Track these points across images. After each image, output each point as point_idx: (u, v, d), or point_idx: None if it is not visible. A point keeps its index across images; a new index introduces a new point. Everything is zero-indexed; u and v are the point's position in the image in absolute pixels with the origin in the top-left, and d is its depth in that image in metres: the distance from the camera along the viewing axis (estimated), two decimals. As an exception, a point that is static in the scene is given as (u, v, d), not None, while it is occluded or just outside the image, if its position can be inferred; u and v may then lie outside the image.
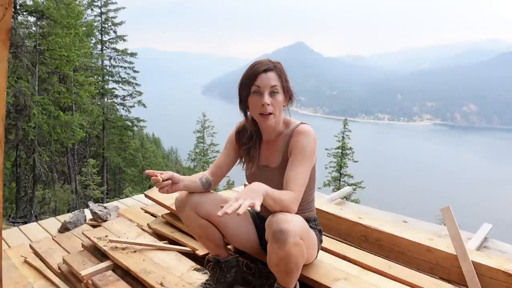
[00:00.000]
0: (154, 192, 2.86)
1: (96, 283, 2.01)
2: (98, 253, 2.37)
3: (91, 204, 3.15)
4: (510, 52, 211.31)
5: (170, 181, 1.61)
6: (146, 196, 2.94)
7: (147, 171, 1.58)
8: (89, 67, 19.93)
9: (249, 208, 2.04)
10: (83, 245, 2.52)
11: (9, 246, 2.85)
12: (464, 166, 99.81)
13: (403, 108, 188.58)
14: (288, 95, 1.74)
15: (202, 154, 25.50)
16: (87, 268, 2.15)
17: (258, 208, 1.33)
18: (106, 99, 22.62)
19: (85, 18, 19.98)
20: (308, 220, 1.75)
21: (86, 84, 16.46)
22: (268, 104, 1.64)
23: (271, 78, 1.65)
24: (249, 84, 1.67)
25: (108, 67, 22.81)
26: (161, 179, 1.58)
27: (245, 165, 1.89)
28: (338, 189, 16.22)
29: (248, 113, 1.77)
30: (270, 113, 1.66)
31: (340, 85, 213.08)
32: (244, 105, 1.74)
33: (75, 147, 17.94)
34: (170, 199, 2.70)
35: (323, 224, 2.10)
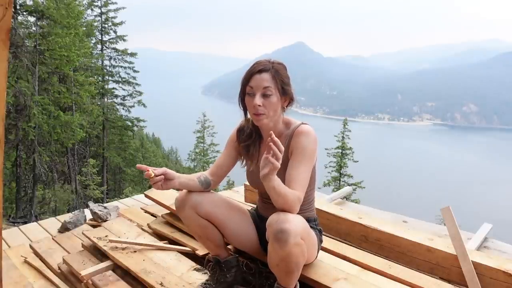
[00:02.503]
0: (154, 192, 2.86)
1: (96, 283, 2.01)
2: (98, 253, 2.37)
3: (91, 204, 3.15)
4: (510, 52, 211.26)
5: (162, 177, 1.62)
6: (146, 196, 2.95)
7: (138, 165, 1.60)
8: (89, 67, 19.92)
9: (250, 208, 2.05)
10: (83, 245, 2.52)
11: (9, 246, 2.85)
12: (464, 166, 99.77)
13: (403, 108, 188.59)
14: (287, 97, 1.73)
15: (202, 154, 25.50)
16: (87, 268, 2.15)
17: (278, 163, 1.39)
18: (106, 99, 22.62)
19: (85, 18, 19.97)
20: (308, 220, 1.75)
21: (86, 84, 16.45)
22: (259, 105, 1.64)
23: (264, 79, 1.64)
24: (244, 84, 1.69)
25: (108, 67, 22.82)
26: (153, 174, 1.58)
27: (245, 164, 1.89)
28: (338, 189, 16.22)
29: (248, 112, 1.78)
30: (262, 114, 1.66)
31: (340, 85, 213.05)
32: (243, 103, 1.75)
33: (75, 147, 17.93)
34: (170, 199, 2.70)
35: (323, 224, 2.10)
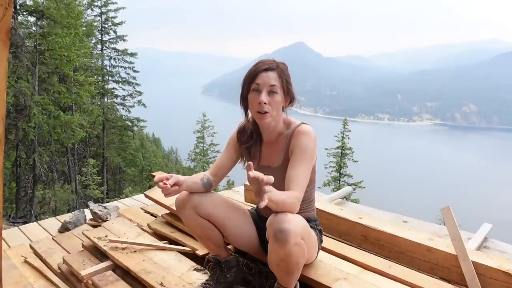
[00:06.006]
0: (154, 192, 2.86)
1: (96, 283, 2.01)
2: (98, 253, 2.37)
3: (91, 204, 3.16)
4: (510, 52, 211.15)
5: (177, 187, 1.63)
6: (146, 196, 2.95)
7: (156, 177, 1.57)
8: (89, 67, 19.91)
9: (250, 208, 2.05)
10: (83, 245, 2.52)
11: (9, 246, 2.85)
12: (464, 166, 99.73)
13: (403, 108, 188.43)
14: (289, 97, 1.74)
15: (202, 154, 25.50)
16: (87, 268, 2.15)
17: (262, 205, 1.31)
18: (106, 99, 22.61)
19: (85, 18, 19.95)
20: (308, 220, 1.75)
21: (86, 84, 16.42)
22: (265, 103, 1.65)
23: (271, 77, 1.66)
24: (249, 81, 1.69)
25: (108, 67, 22.81)
26: (169, 186, 1.59)
27: (246, 164, 1.89)
28: (338, 189, 16.22)
29: (249, 112, 1.78)
30: (266, 112, 1.66)
31: (340, 85, 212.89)
32: (244, 102, 1.75)
33: (75, 147, 17.92)
34: (170, 199, 2.69)
35: (323, 224, 2.11)
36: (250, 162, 1.36)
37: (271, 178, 1.31)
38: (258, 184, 1.31)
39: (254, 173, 1.30)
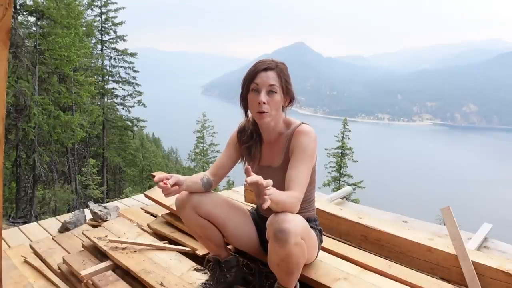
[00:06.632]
0: (154, 192, 2.86)
1: (96, 283, 2.01)
2: (98, 253, 2.37)
3: (91, 204, 3.16)
4: (510, 52, 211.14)
5: (177, 187, 1.62)
6: (146, 196, 2.95)
7: (156, 177, 1.57)
8: (89, 67, 19.91)
9: (250, 208, 2.05)
10: (83, 245, 2.52)
11: (9, 246, 2.85)
12: (464, 166, 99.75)
13: (403, 108, 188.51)
14: (289, 97, 1.74)
15: (202, 154, 25.51)
16: (87, 268, 2.15)
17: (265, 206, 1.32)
18: (106, 99, 22.60)
19: (85, 18, 19.94)
20: (308, 220, 1.75)
21: (86, 84, 16.41)
22: (264, 103, 1.64)
23: (270, 77, 1.66)
24: (249, 81, 1.69)
25: (108, 67, 22.79)
26: (169, 186, 1.58)
27: (246, 164, 1.89)
28: (338, 189, 16.22)
29: (249, 112, 1.78)
30: (265, 112, 1.66)
31: (340, 85, 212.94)
32: (244, 102, 1.75)
33: (75, 147, 17.92)
34: (170, 199, 2.69)
35: (323, 224, 2.11)
36: (248, 166, 1.35)
37: (269, 182, 1.31)
38: (258, 187, 1.31)
39: (251, 178, 1.30)
